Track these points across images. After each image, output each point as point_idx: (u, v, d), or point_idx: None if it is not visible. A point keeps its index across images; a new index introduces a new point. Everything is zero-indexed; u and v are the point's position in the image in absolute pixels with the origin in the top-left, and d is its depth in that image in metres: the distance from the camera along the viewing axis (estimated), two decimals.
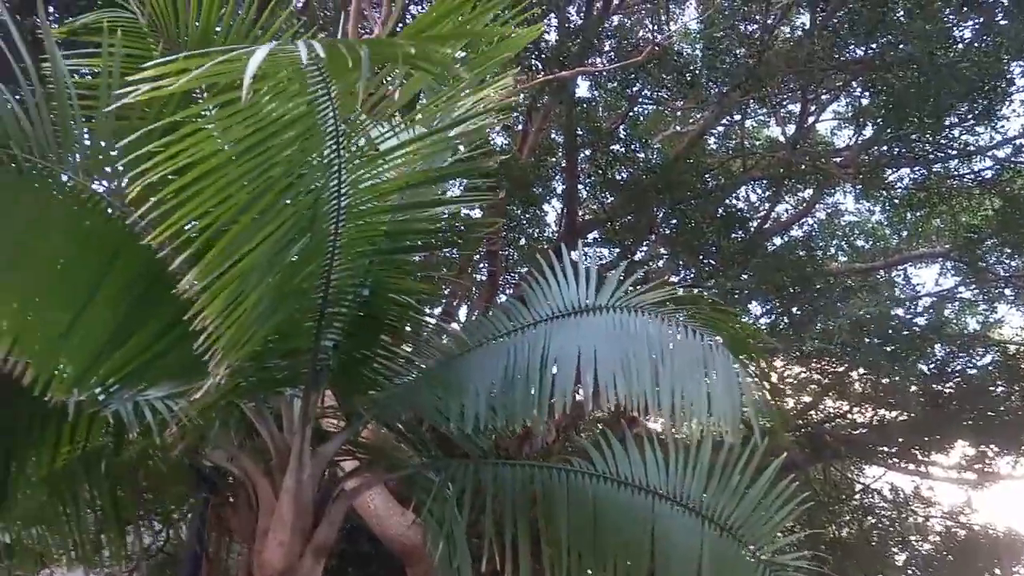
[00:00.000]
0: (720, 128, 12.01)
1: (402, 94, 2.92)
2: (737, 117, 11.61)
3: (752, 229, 11.30)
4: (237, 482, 6.71)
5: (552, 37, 9.38)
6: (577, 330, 3.68)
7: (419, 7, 10.00)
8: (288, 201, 2.62)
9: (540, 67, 9.26)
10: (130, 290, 3.09)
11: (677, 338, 3.39)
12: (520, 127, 10.60)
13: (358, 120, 2.69)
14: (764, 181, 11.68)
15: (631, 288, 3.79)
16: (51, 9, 7.14)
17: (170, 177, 2.28)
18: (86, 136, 2.97)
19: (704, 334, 3.39)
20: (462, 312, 11.80)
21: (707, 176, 10.89)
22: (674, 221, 10.84)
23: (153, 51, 3.58)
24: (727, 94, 9.74)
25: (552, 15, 9.24)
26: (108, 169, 3.00)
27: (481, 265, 11.44)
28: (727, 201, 11.24)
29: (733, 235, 10.88)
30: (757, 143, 12.42)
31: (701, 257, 10.81)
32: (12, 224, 2.75)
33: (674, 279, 10.91)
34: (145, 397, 3.43)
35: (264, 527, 3.65)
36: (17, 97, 2.89)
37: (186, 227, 2.47)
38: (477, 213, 8.83)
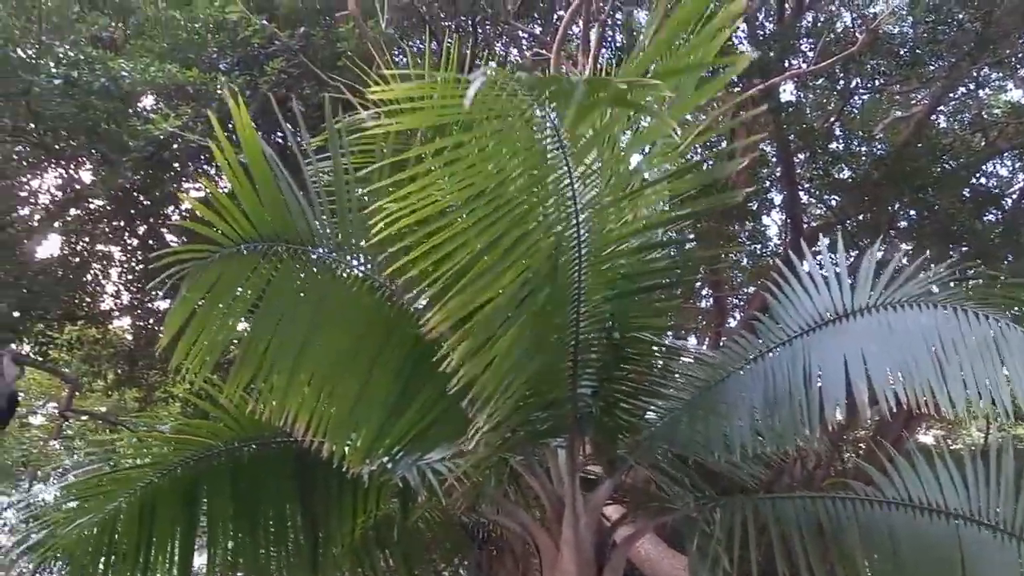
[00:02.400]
0: (950, 104, 10.91)
1: (634, 139, 2.94)
2: (970, 87, 10.49)
3: (1007, 206, 10.10)
4: (502, 536, 6.90)
5: (747, 47, 9.09)
6: (838, 338, 3.47)
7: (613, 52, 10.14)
8: (526, 253, 2.71)
9: (737, 81, 8.99)
10: (405, 362, 3.34)
11: (960, 325, 3.08)
12: (724, 144, 10.31)
13: (593, 166, 2.74)
14: (1014, 151, 10.41)
15: (885, 287, 3.54)
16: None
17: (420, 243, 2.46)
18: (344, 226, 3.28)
19: (990, 314, 3.06)
20: (690, 341, 11.53)
21: (944, 157, 9.90)
22: (913, 212, 9.94)
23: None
24: (954, 66, 8.85)
25: (742, 25, 8.98)
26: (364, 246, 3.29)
27: (705, 291, 11.14)
28: (973, 180, 10.15)
29: (986, 216, 9.77)
30: (997, 111, 11.14)
31: (952, 246, 9.79)
32: (301, 312, 3.09)
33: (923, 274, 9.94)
34: (426, 461, 3.66)
35: None
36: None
37: (441, 292, 2.64)
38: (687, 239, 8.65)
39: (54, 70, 7.43)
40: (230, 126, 7.65)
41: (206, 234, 2.73)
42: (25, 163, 8.65)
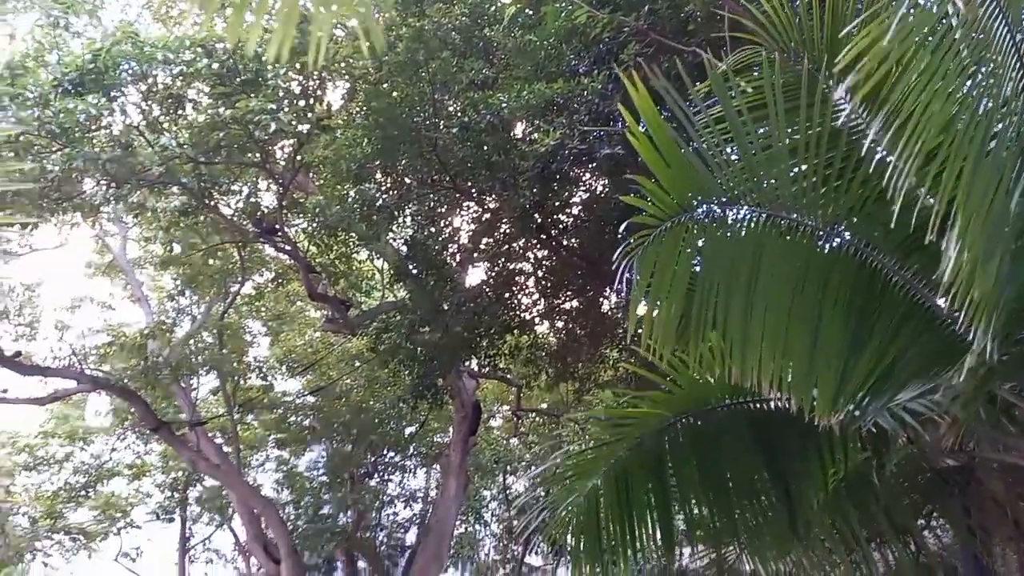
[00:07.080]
0: None
1: None
2: None
3: None
4: (980, 481, 6.11)
5: None
6: None
7: None
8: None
9: None
10: (852, 301, 3.16)
11: None
12: None
13: None
14: None
15: None
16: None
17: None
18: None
19: None
20: None
21: None
22: None
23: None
24: None
25: None
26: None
27: None
28: None
29: None
30: None
31: None
32: (739, 273, 3.10)
33: None
34: (898, 402, 3.41)
35: None
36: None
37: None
38: None
39: (450, 121, 8.53)
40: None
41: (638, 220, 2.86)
42: (444, 207, 10.06)
